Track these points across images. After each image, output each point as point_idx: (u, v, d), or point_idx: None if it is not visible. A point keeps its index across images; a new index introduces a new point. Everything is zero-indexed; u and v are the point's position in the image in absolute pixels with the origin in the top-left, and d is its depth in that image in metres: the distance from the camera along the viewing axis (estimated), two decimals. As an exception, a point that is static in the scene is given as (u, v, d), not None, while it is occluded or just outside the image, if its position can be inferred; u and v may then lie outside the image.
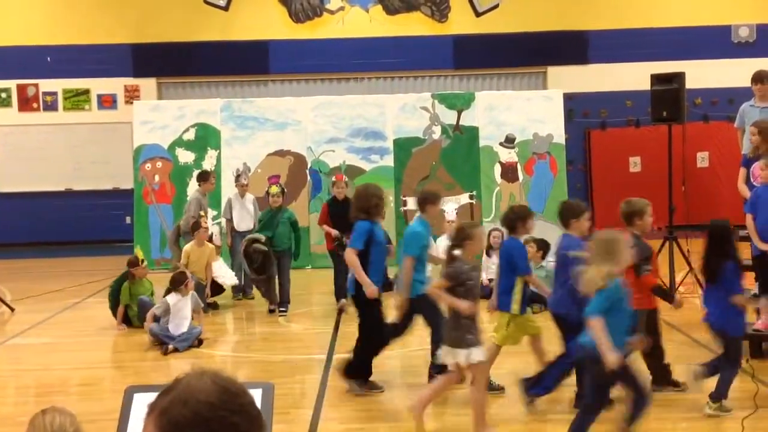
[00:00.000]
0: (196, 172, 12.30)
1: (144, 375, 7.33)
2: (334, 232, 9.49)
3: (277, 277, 9.60)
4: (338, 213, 9.37)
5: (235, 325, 9.43)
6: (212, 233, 10.74)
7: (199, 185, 11.13)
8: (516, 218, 6.25)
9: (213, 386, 1.60)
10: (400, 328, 6.64)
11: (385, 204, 6.69)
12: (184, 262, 9.87)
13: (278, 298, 9.61)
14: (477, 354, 5.31)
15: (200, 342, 8.16)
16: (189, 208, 10.76)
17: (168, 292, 8.48)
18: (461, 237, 5.55)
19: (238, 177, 11.26)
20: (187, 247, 10.04)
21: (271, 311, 9.59)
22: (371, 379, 6.55)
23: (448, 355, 5.40)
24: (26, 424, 5.80)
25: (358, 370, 6.49)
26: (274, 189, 9.70)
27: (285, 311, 9.48)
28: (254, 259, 9.29)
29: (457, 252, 5.49)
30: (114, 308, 9.13)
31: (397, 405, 6.33)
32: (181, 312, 8.21)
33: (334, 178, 10.25)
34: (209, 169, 12.42)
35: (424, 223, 6.69)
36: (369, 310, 6.49)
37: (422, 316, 6.52)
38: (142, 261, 9.12)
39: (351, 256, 6.42)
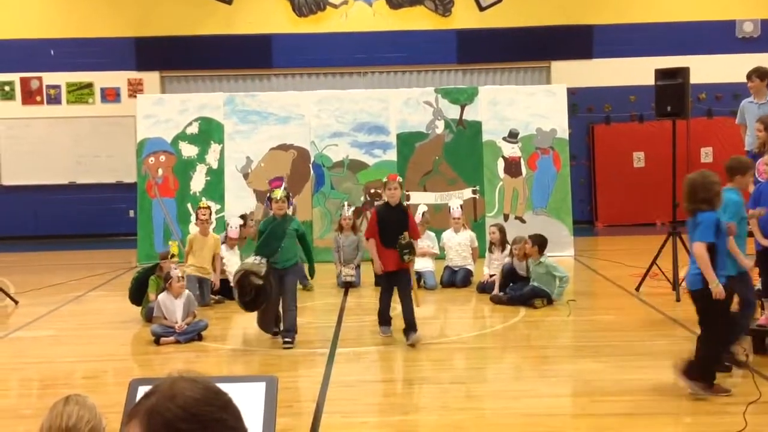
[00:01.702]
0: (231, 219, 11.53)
1: (148, 368, 7.34)
2: (407, 239, 7.70)
3: (280, 300, 7.89)
4: (391, 222, 7.75)
5: (239, 318, 9.42)
6: (247, 215, 10.45)
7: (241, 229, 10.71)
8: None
9: (195, 384, 1.60)
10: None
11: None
12: (186, 249, 9.87)
13: (281, 325, 7.96)
14: None
15: (200, 336, 8.12)
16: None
17: (162, 290, 8.39)
18: None
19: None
20: (190, 235, 10.00)
21: (275, 334, 8.04)
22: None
23: None
24: (30, 417, 5.82)
25: (703, 371, 5.87)
26: (279, 194, 7.88)
27: (291, 342, 7.70)
28: (247, 292, 7.64)
29: None
30: (134, 299, 9.08)
31: (400, 398, 6.34)
32: (175, 315, 8.12)
33: (385, 179, 8.26)
34: (246, 213, 11.42)
35: (736, 191, 6.45)
36: (717, 306, 5.86)
37: (738, 294, 6.18)
38: (172, 256, 8.79)
39: (701, 250, 5.80)
